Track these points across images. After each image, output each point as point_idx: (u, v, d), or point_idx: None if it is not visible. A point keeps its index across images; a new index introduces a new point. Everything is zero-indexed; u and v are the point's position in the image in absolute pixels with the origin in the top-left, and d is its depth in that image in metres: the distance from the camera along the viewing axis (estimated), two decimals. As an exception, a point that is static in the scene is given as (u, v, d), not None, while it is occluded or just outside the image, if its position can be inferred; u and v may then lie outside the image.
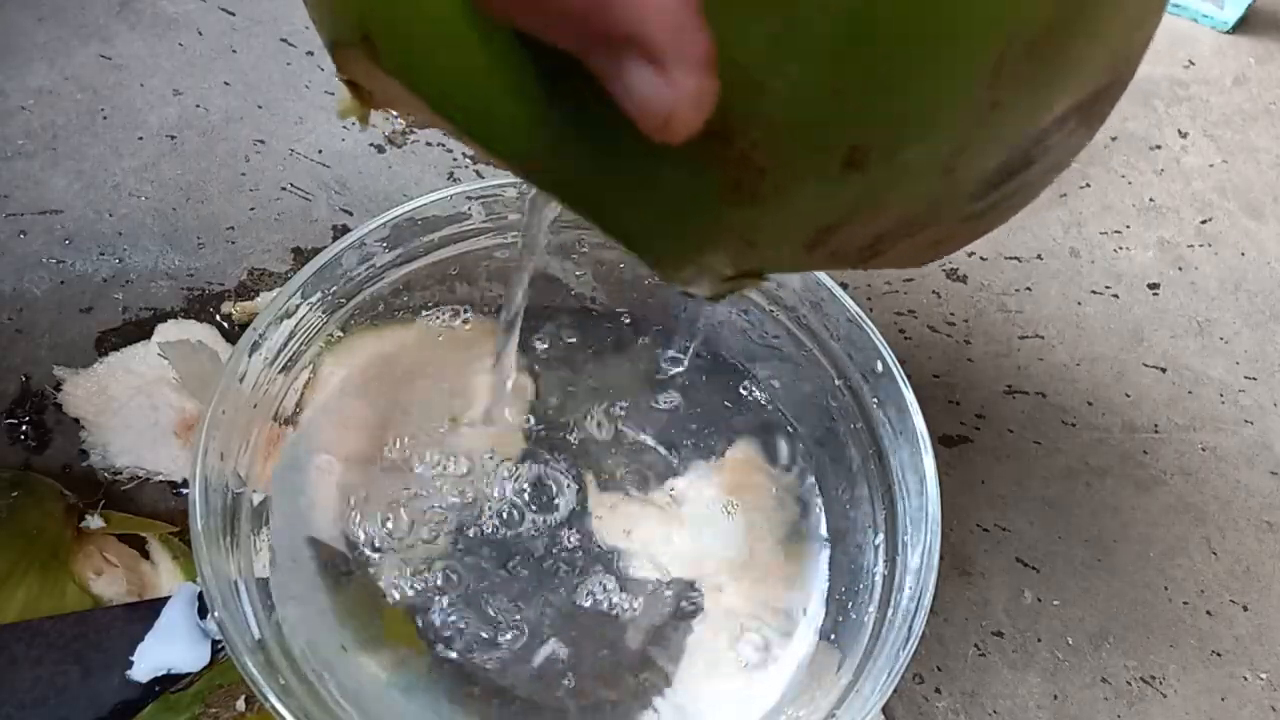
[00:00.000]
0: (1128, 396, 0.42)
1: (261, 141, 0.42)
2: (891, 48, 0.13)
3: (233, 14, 0.45)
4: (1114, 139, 0.50)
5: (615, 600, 0.32)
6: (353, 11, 0.15)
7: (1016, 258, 0.45)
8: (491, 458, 0.33)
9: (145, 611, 0.30)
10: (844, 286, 0.42)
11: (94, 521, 0.33)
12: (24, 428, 0.35)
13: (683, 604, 0.32)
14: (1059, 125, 0.15)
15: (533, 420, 0.34)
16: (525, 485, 0.33)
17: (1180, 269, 0.46)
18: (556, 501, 0.33)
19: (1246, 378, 0.43)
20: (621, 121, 0.12)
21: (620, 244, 0.16)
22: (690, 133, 0.12)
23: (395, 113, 0.20)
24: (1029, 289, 0.44)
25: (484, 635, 0.31)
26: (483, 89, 0.14)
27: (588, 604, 0.32)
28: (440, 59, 0.14)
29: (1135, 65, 0.16)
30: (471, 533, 0.32)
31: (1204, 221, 0.48)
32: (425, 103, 0.15)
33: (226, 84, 0.43)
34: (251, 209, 0.40)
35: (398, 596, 0.31)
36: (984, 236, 0.19)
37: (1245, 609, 0.37)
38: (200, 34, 0.44)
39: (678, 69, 0.12)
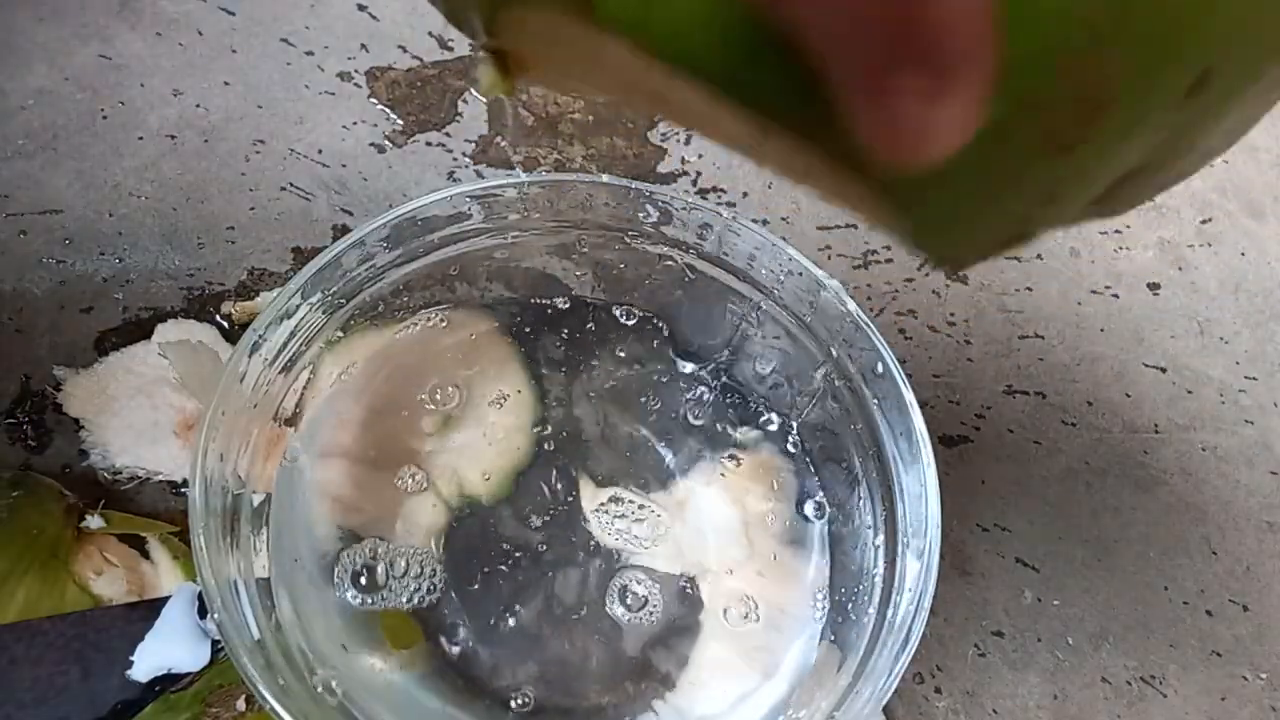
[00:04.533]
0: (1128, 396, 0.42)
1: (261, 141, 0.42)
2: None
3: (233, 14, 0.45)
4: (1114, 139, 0.50)
5: (615, 601, 0.32)
6: None
7: (1016, 258, 0.45)
8: (492, 458, 0.33)
9: (145, 611, 0.30)
10: (844, 287, 0.42)
11: (94, 521, 0.33)
12: (24, 428, 0.35)
13: (683, 605, 0.32)
14: None
15: (533, 420, 0.34)
16: (525, 486, 0.33)
17: (1180, 269, 0.46)
18: (557, 502, 0.33)
19: (1246, 378, 0.43)
20: None
21: (884, 217, 0.14)
22: (939, 159, 0.10)
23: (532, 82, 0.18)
24: (1029, 289, 0.44)
25: (484, 635, 0.31)
26: (732, 40, 0.12)
27: (588, 605, 0.32)
28: (677, 9, 0.12)
29: None
30: (471, 533, 0.32)
31: (1204, 221, 0.47)
32: (652, 55, 0.13)
33: (226, 84, 0.43)
34: (251, 209, 0.40)
35: (398, 596, 0.31)
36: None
37: (1245, 609, 0.37)
38: (200, 34, 0.44)
39: (962, 93, 0.09)
